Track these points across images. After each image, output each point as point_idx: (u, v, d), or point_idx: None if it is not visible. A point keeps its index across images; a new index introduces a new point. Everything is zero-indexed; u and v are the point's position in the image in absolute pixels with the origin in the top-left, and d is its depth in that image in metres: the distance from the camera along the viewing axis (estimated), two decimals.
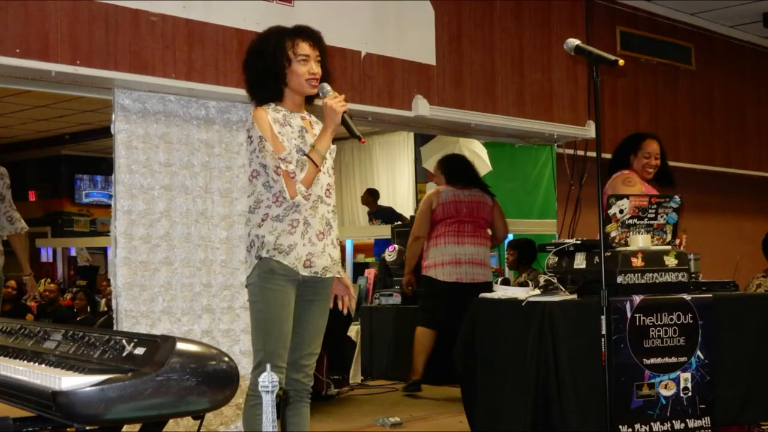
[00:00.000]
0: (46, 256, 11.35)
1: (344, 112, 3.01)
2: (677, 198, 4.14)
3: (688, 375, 3.93)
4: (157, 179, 4.27)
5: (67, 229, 11.13)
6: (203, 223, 4.41)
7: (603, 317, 3.16)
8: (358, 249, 8.20)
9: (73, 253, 11.14)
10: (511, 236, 6.83)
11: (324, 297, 3.16)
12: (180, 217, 4.34)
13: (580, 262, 4.09)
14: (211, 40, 4.38)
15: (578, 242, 4.13)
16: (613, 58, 3.10)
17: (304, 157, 3.00)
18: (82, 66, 3.99)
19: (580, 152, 6.15)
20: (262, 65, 3.08)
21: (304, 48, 3.06)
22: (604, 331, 3.15)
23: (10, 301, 7.73)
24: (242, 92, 4.43)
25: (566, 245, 4.13)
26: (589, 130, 6.02)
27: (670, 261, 4.04)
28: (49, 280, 8.47)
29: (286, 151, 2.99)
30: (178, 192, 4.34)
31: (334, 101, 2.99)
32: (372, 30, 4.89)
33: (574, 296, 3.90)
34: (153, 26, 4.21)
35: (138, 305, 4.18)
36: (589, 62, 3.13)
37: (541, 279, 4.21)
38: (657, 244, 4.06)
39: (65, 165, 11.02)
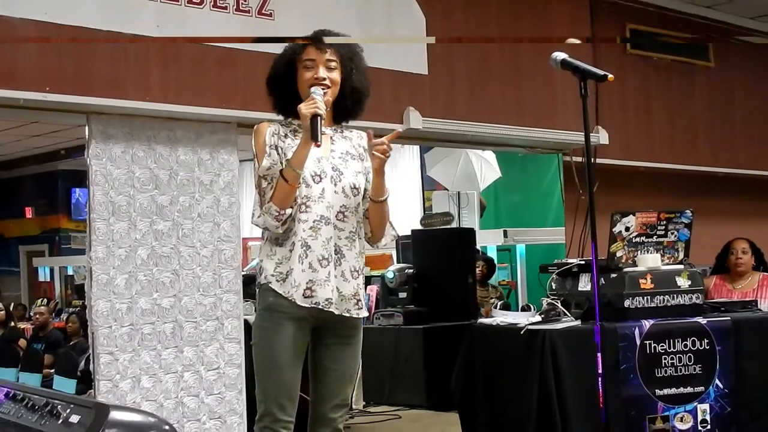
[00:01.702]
0: (43, 275, 11.27)
1: (316, 115, 2.69)
2: (689, 213, 3.97)
3: (706, 406, 3.73)
4: (135, 202, 4.20)
5: (65, 247, 11.06)
6: (185, 247, 4.32)
7: (599, 354, 2.87)
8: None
9: (70, 271, 11.04)
10: (523, 247, 6.60)
11: (348, 338, 2.84)
12: (161, 240, 4.26)
13: (584, 284, 3.91)
14: (186, 60, 4.25)
15: (582, 262, 3.91)
16: (602, 73, 2.85)
17: (278, 174, 2.73)
18: (51, 93, 3.90)
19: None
20: (275, 75, 2.86)
21: (310, 52, 2.82)
22: (600, 370, 2.87)
23: (0, 325, 7.62)
24: (221, 112, 4.33)
25: (570, 266, 3.92)
26: (599, 137, 5.78)
27: (683, 282, 3.82)
28: (45, 300, 8.35)
29: (265, 165, 2.74)
30: (157, 215, 4.26)
31: (304, 105, 2.71)
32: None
33: (578, 322, 3.68)
34: (126, 48, 4.10)
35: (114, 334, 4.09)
36: (577, 77, 2.86)
37: (544, 303, 4.00)
38: (668, 264, 3.85)
39: (62, 180, 10.96)
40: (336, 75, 2.80)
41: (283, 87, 2.82)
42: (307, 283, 2.70)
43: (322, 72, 2.78)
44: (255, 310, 2.87)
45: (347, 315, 2.77)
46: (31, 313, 8.21)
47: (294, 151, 2.72)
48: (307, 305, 2.71)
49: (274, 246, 2.74)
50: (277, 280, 2.71)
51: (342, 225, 2.76)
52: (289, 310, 2.70)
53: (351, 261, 2.77)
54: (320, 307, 2.72)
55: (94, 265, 4.08)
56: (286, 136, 2.80)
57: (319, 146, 2.72)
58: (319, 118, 2.68)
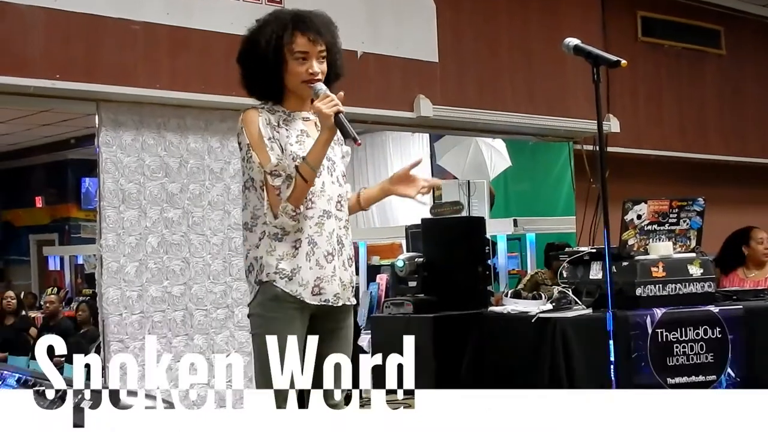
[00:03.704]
0: (53, 264, 11.30)
1: (337, 113, 2.60)
2: (701, 201, 3.93)
3: None
4: (145, 190, 4.22)
5: (75, 236, 11.06)
6: (195, 235, 4.34)
7: (611, 342, 2.87)
8: (372, 251, 7.95)
9: (80, 260, 11.05)
10: (533, 236, 6.56)
11: (343, 322, 2.78)
12: (171, 227, 4.28)
13: (596, 272, 3.88)
14: (196, 47, 4.24)
15: (593, 250, 3.88)
16: (614, 58, 2.83)
17: (292, 170, 2.61)
18: (61, 80, 3.90)
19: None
20: (257, 60, 2.66)
21: (302, 44, 2.64)
22: (612, 357, 2.87)
23: (12, 314, 7.67)
24: (231, 100, 4.32)
25: (581, 254, 3.89)
26: (610, 125, 5.75)
27: (695, 270, 3.79)
28: (56, 289, 8.38)
29: (273, 162, 2.62)
30: (167, 202, 4.28)
31: (323, 103, 2.59)
32: (368, 28, 4.68)
33: (589, 311, 3.66)
34: (135, 35, 4.08)
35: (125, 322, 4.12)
36: (590, 63, 2.85)
37: (555, 291, 3.98)
38: (680, 252, 3.82)
39: (72, 170, 10.94)
40: (325, 66, 2.68)
41: (270, 75, 2.67)
42: (315, 280, 2.63)
43: (316, 66, 2.66)
44: (251, 303, 2.68)
45: (348, 303, 2.73)
46: (42, 302, 8.26)
47: (311, 147, 2.63)
48: (316, 302, 2.64)
49: (274, 241, 2.62)
50: (281, 278, 2.61)
51: (340, 214, 2.71)
52: (296, 302, 2.63)
53: (348, 249, 2.72)
54: (330, 303, 2.66)
55: (104, 252, 4.09)
56: (278, 125, 2.67)
57: (359, 145, 2.66)
58: (342, 115, 2.59)
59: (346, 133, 2.62)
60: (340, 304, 2.69)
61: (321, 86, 2.66)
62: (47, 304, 7.38)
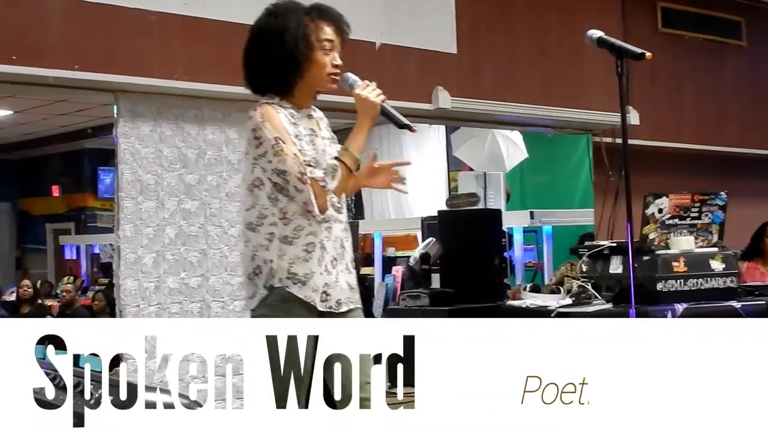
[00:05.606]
0: (69, 253, 11.33)
1: (382, 101, 2.58)
2: (723, 195, 3.88)
3: None
4: (163, 181, 4.23)
5: (91, 225, 11.09)
6: (212, 227, 4.35)
7: None
8: (388, 242, 7.92)
9: (96, 250, 11.09)
10: (550, 228, 6.50)
11: None
12: (188, 219, 4.29)
13: (616, 266, 3.84)
14: (213, 38, 4.22)
15: (613, 244, 3.85)
16: (639, 51, 2.80)
17: (334, 161, 2.54)
18: (80, 71, 3.91)
19: (619, 140, 5.79)
20: (278, 49, 2.54)
21: (329, 32, 2.56)
22: None
23: (28, 303, 7.72)
24: (249, 91, 4.29)
25: (601, 248, 3.85)
26: (629, 117, 5.67)
27: (717, 265, 3.74)
28: (71, 278, 8.42)
29: (310, 154, 2.54)
30: (185, 194, 4.29)
31: (368, 91, 2.55)
32: (386, 19, 4.65)
33: (609, 305, 3.63)
34: (152, 26, 4.09)
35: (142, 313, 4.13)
36: (613, 55, 2.82)
37: (574, 285, 3.96)
38: (702, 247, 3.77)
39: (88, 159, 10.92)
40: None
41: (294, 63, 2.55)
42: (323, 286, 2.55)
43: (338, 59, 2.59)
44: (257, 307, 2.55)
45: (354, 307, 2.63)
46: (58, 291, 8.32)
47: (352, 136, 2.58)
48: (323, 309, 2.55)
49: (284, 245, 2.52)
50: (294, 283, 2.51)
51: (342, 217, 2.64)
52: (305, 306, 2.53)
53: (350, 252, 2.64)
54: (333, 310, 2.57)
55: (122, 243, 4.09)
56: (295, 125, 2.57)
57: (415, 131, 2.67)
58: (384, 104, 2.56)
59: (398, 122, 2.59)
60: (344, 310, 2.60)
61: (353, 76, 2.60)
62: (63, 293, 7.43)
